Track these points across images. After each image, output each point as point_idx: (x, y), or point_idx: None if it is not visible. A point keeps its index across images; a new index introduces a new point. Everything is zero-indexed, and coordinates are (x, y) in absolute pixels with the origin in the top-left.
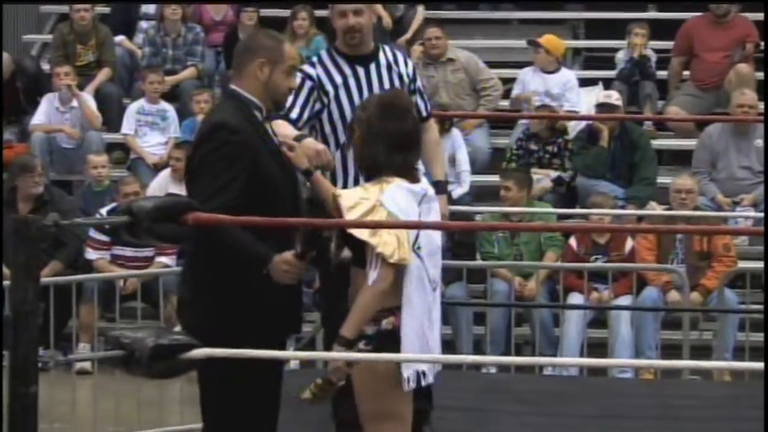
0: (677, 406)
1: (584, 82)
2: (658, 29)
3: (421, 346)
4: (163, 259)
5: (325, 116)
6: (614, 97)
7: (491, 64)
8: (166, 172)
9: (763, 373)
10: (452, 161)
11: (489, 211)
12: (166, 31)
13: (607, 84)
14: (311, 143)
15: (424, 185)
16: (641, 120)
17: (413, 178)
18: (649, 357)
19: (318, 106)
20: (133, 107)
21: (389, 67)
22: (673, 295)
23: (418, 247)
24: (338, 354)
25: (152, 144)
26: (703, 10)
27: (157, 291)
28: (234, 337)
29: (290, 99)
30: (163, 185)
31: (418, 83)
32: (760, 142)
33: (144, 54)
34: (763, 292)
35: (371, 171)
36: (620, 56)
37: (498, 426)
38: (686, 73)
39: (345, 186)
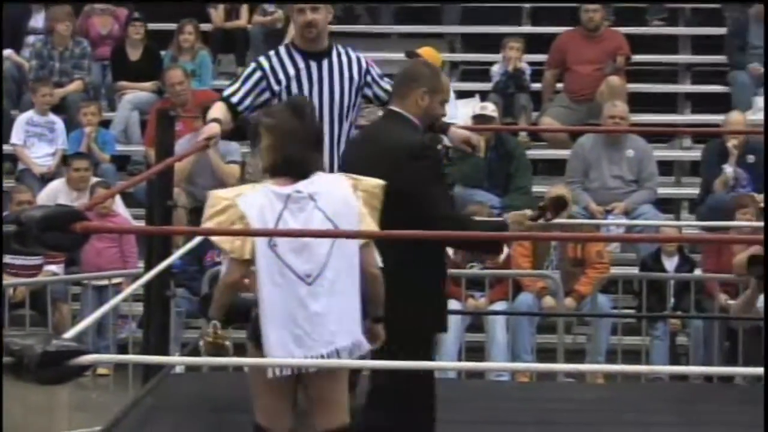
0: (553, 409)
1: (461, 95)
2: (533, 43)
3: (281, 337)
4: (52, 268)
5: (275, 103)
6: (490, 108)
7: None
8: (57, 182)
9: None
10: None
11: None
12: (54, 45)
13: (483, 96)
14: (209, 125)
15: (302, 186)
16: (517, 131)
17: (298, 176)
18: (524, 360)
19: (267, 95)
20: (22, 118)
21: (340, 65)
22: (548, 301)
23: (274, 244)
24: (227, 360)
25: (40, 155)
26: (575, 24)
27: (46, 299)
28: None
29: (237, 84)
30: (52, 195)
31: (372, 74)
32: (631, 152)
33: (31, 67)
34: (636, 297)
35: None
36: (495, 69)
37: None
38: (560, 85)
39: None
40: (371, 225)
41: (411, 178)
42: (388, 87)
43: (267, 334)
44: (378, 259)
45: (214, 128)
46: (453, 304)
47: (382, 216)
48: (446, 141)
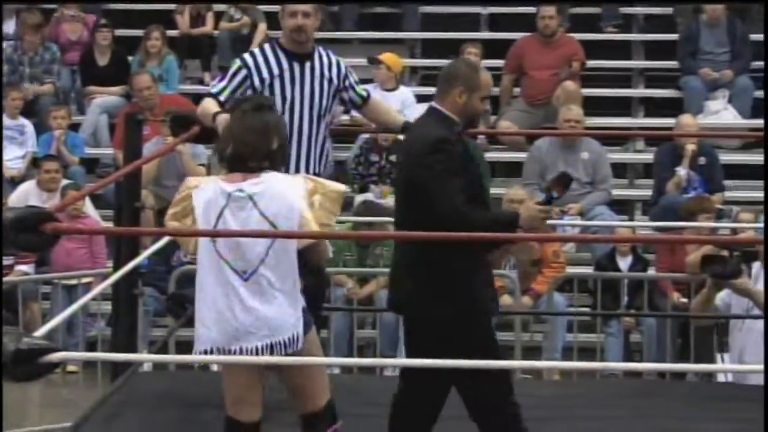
0: None
1: (422, 99)
2: (490, 48)
3: (211, 327)
4: (23, 267)
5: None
6: None
7: None
8: (28, 184)
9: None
10: None
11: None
12: (24, 50)
13: None
14: (225, 117)
15: (246, 185)
16: (475, 134)
17: (246, 172)
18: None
19: (249, 92)
20: None
21: (321, 68)
22: (506, 299)
23: (214, 240)
24: (182, 358)
25: (10, 158)
26: (531, 30)
27: (17, 298)
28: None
29: (224, 82)
30: (23, 197)
31: (350, 79)
32: (586, 155)
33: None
34: (591, 296)
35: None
36: None
37: (357, 428)
38: (517, 89)
39: None
40: (314, 228)
41: (425, 171)
42: (363, 93)
43: (199, 323)
44: (327, 257)
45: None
46: None
47: (404, 208)
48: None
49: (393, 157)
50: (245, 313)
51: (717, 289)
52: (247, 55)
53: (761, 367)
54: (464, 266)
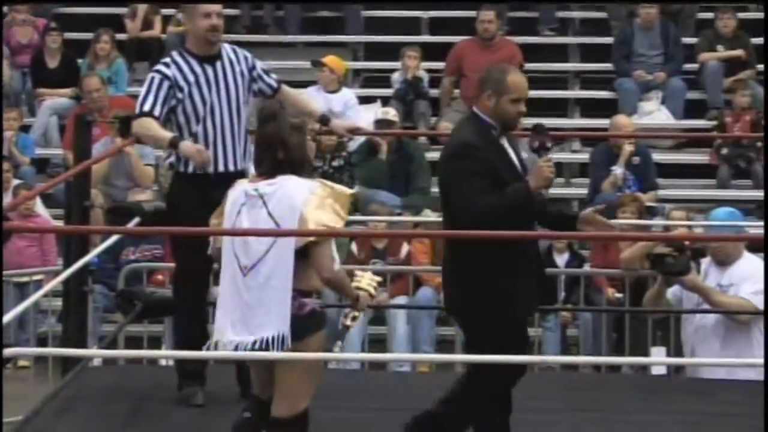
0: None
1: (364, 100)
2: (431, 51)
3: (222, 320)
4: None
5: (179, 110)
6: (391, 113)
7: None
8: None
9: (531, 366)
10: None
11: None
12: None
13: (385, 101)
14: (189, 145)
15: (261, 186)
16: (416, 135)
17: (262, 176)
18: (424, 351)
19: (173, 102)
20: None
21: (232, 65)
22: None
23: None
24: (131, 353)
25: None
26: (471, 34)
27: None
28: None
29: (151, 97)
30: None
31: (258, 69)
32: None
33: None
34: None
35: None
36: (395, 77)
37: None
38: (456, 91)
39: (195, 172)
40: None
41: (446, 174)
42: (272, 82)
43: (215, 316)
44: (331, 263)
45: (193, 146)
46: None
47: (442, 208)
48: (351, 147)
49: (336, 162)
50: (239, 309)
51: (668, 284)
52: (162, 67)
53: (690, 360)
54: (487, 264)
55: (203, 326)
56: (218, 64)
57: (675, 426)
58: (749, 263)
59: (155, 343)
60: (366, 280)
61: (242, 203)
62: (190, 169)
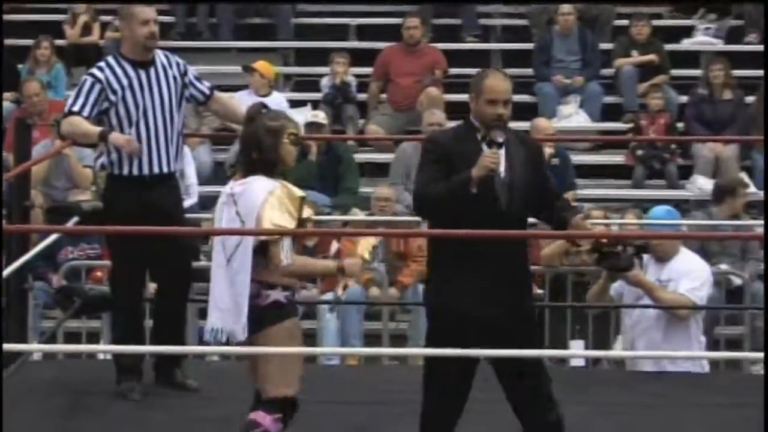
0: (380, 390)
1: (294, 104)
2: (359, 57)
3: (219, 309)
4: None
5: (112, 113)
6: (321, 116)
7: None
8: None
9: None
10: (182, 175)
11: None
12: None
13: (315, 105)
14: (118, 136)
15: (236, 186)
16: (345, 139)
17: (240, 175)
18: (353, 345)
19: (105, 104)
20: None
21: (165, 70)
22: (374, 291)
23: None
24: (70, 347)
25: None
26: (397, 40)
27: None
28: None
29: (81, 99)
30: None
31: (190, 76)
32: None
33: None
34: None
35: None
36: (325, 81)
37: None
38: (383, 95)
39: (129, 174)
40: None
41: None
42: (204, 89)
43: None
44: (283, 257)
45: (122, 137)
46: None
47: None
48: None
49: None
50: (213, 300)
51: (612, 280)
52: (96, 71)
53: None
54: (439, 260)
55: (140, 323)
56: (152, 70)
57: (597, 417)
58: (687, 259)
59: (94, 338)
60: (362, 245)
61: (223, 202)
62: (125, 171)
